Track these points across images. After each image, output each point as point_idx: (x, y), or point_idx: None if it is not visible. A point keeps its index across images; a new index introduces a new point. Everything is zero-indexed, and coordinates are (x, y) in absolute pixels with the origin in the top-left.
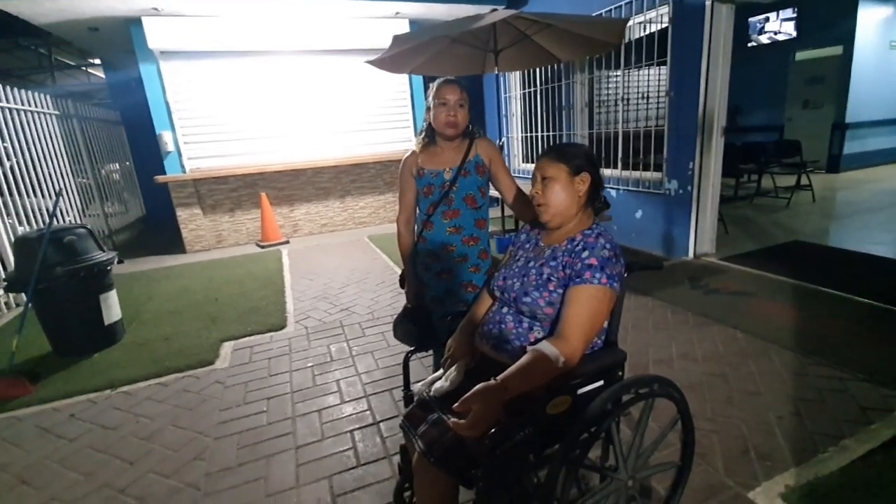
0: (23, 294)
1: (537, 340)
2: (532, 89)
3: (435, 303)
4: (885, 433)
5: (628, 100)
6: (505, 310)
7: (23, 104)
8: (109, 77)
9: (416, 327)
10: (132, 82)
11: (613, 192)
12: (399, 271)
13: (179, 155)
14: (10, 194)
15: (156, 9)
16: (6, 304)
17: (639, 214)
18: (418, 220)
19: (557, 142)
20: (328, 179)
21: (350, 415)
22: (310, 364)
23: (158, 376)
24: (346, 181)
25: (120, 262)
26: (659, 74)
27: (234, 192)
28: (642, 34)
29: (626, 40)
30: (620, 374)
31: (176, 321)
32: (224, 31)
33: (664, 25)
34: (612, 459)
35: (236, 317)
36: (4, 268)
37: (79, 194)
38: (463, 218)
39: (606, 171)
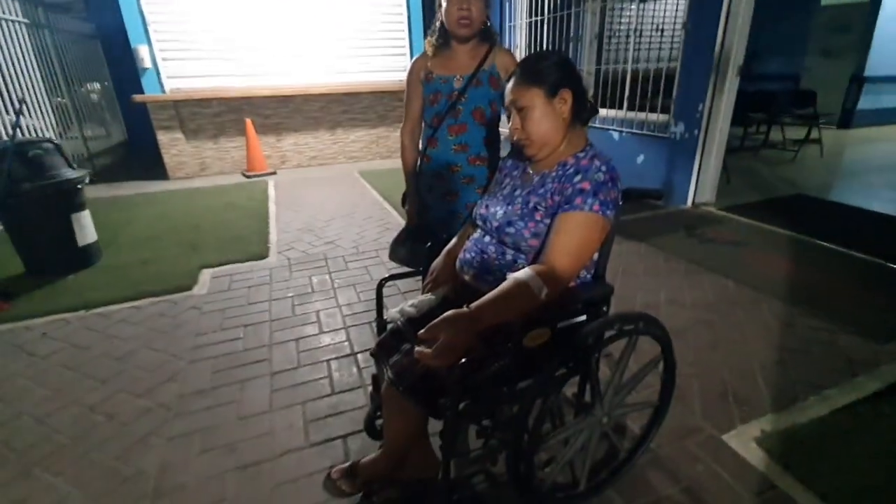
0: None
1: None
2: (539, 18)
3: (439, 224)
4: (871, 386)
5: (641, 32)
6: (487, 239)
7: None
8: None
9: (425, 246)
10: None
11: (616, 135)
12: (388, 207)
13: (158, 73)
14: None
15: None
16: None
17: (640, 159)
18: (423, 136)
19: None
20: (318, 109)
21: (328, 345)
22: (290, 294)
23: (134, 300)
24: (336, 111)
25: (92, 181)
26: (677, 4)
27: (218, 117)
28: None
29: None
30: (605, 309)
31: (155, 246)
32: None
33: None
34: (588, 396)
35: (217, 245)
36: None
37: (55, 115)
38: (470, 134)
39: (611, 112)
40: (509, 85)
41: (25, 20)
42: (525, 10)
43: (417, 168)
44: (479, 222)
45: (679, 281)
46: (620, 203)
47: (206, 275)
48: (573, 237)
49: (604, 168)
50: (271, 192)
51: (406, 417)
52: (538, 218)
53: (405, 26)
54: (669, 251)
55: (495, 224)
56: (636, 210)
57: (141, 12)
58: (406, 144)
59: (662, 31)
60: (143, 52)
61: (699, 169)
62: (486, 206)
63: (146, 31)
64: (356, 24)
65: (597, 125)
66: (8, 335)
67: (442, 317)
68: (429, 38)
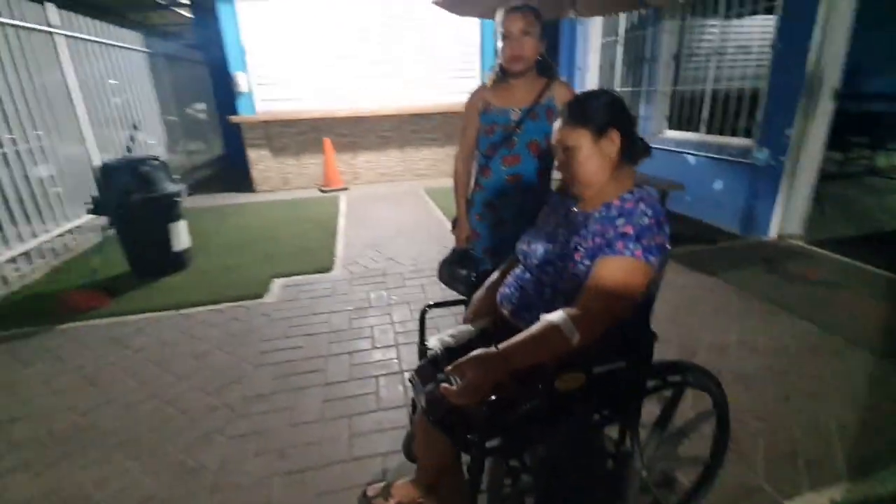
0: (105, 218)
1: None
2: (613, 38)
3: (488, 253)
4: None
5: (723, 53)
6: (527, 275)
7: (118, 41)
8: (196, 17)
9: (476, 276)
10: (213, 22)
11: (692, 159)
12: (449, 226)
13: (251, 96)
14: (107, 126)
15: None
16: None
17: (718, 185)
18: (477, 164)
19: (636, 100)
20: (390, 128)
21: (378, 360)
22: (349, 308)
23: (215, 303)
24: (407, 131)
25: (189, 194)
26: (764, 25)
27: (301, 135)
28: None
29: None
30: (648, 357)
31: (237, 254)
32: None
33: None
34: (628, 444)
35: (289, 256)
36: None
37: (165, 131)
38: (523, 166)
39: (686, 135)
40: (557, 124)
41: (147, 50)
42: (599, 31)
43: (469, 196)
44: (521, 258)
45: (753, 322)
46: (668, 247)
47: (277, 284)
48: (610, 282)
49: (650, 212)
50: (342, 206)
51: (436, 447)
52: (578, 259)
53: (478, 50)
54: (745, 288)
55: (535, 262)
56: (708, 240)
57: (240, 44)
58: (459, 170)
59: (748, 50)
60: (240, 78)
61: (785, 198)
62: (528, 242)
63: (244, 60)
64: (431, 48)
65: (671, 148)
66: (108, 328)
67: (470, 355)
68: (491, 72)
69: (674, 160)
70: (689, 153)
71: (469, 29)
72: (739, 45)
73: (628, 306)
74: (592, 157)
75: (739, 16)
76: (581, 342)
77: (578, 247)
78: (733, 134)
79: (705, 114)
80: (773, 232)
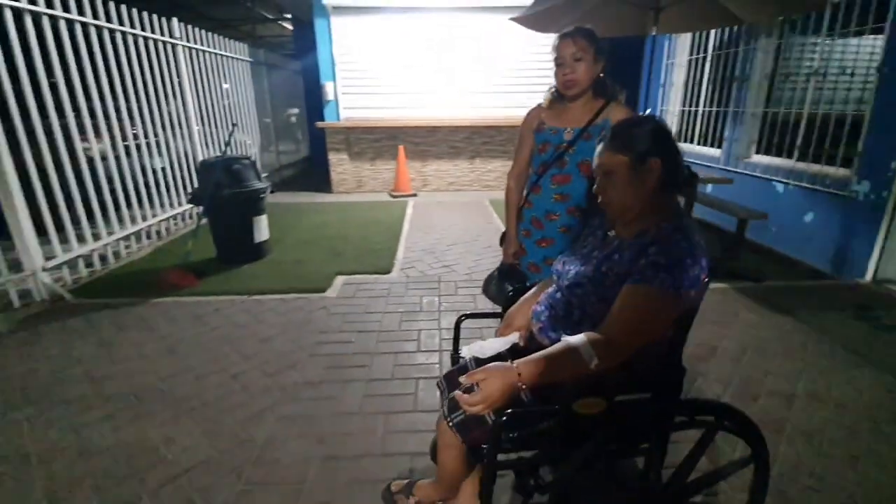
0: (200, 207)
1: None
2: (701, 55)
3: (533, 268)
4: None
5: (825, 74)
6: (558, 295)
7: (228, 51)
8: (296, 30)
9: (513, 289)
10: (310, 36)
11: (780, 187)
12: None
13: (337, 104)
14: (211, 125)
15: None
16: (191, 215)
17: (808, 218)
18: (528, 181)
19: (721, 120)
20: (462, 139)
21: (421, 364)
22: (400, 310)
23: (283, 293)
24: (478, 142)
25: (272, 192)
26: (873, 45)
27: (378, 142)
28: None
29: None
30: (676, 392)
31: (308, 249)
32: None
33: None
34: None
35: (354, 255)
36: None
37: (260, 132)
38: (573, 185)
39: (776, 160)
40: (598, 148)
41: (250, 59)
42: (686, 47)
43: (519, 211)
44: (555, 277)
45: (828, 372)
46: (706, 280)
47: (339, 280)
48: (635, 311)
49: (685, 244)
50: (409, 211)
51: (454, 452)
52: (608, 284)
53: (552, 64)
54: (824, 333)
55: (566, 282)
56: (790, 276)
57: (332, 56)
58: (511, 187)
59: (852, 73)
60: (329, 87)
61: (887, 237)
62: (563, 262)
63: (333, 70)
64: (507, 63)
65: (758, 174)
66: (192, 306)
67: (485, 367)
68: (547, 92)
69: (760, 187)
70: (777, 181)
71: (546, 45)
72: (842, 67)
73: (652, 337)
74: (629, 183)
75: (843, 36)
76: (600, 368)
77: (609, 272)
78: (830, 163)
79: (799, 139)
80: (868, 275)
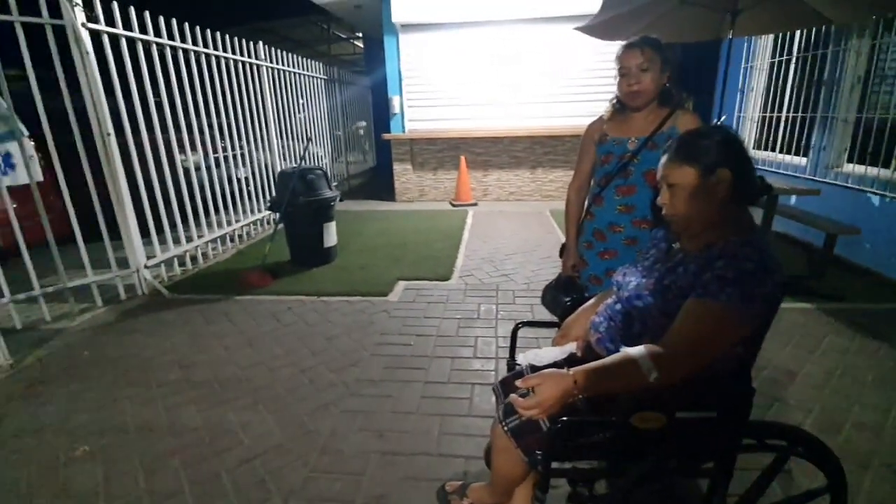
0: (277, 214)
1: None
2: (785, 58)
3: (593, 281)
4: None
5: None
6: (618, 306)
7: (305, 69)
8: (366, 48)
9: (568, 299)
10: (379, 53)
11: (876, 199)
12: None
13: (402, 117)
14: (289, 138)
15: None
16: (269, 221)
17: None
18: (590, 193)
19: (807, 127)
20: (523, 149)
21: (477, 370)
22: (458, 316)
23: (348, 295)
24: (539, 152)
25: (341, 200)
26: None
27: (440, 153)
28: None
29: None
30: (745, 412)
31: (371, 255)
32: (452, 4)
33: None
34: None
35: (415, 261)
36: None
37: (331, 144)
38: (639, 196)
39: (872, 171)
40: (663, 159)
41: (324, 76)
42: (769, 49)
43: (579, 224)
44: (615, 288)
45: None
46: (777, 298)
47: (400, 285)
48: (698, 326)
49: (755, 257)
50: (469, 220)
51: (509, 456)
52: (670, 298)
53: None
54: None
55: (626, 294)
56: (887, 298)
57: (399, 70)
58: (572, 199)
59: None
60: (395, 101)
61: None
62: (624, 274)
63: (400, 84)
64: (571, 72)
65: (850, 185)
66: (268, 304)
67: (541, 372)
68: (609, 103)
69: (852, 199)
70: (873, 192)
71: (610, 54)
72: None
73: (716, 353)
74: (697, 196)
75: None
76: (660, 382)
77: (672, 285)
78: None
79: None
80: None
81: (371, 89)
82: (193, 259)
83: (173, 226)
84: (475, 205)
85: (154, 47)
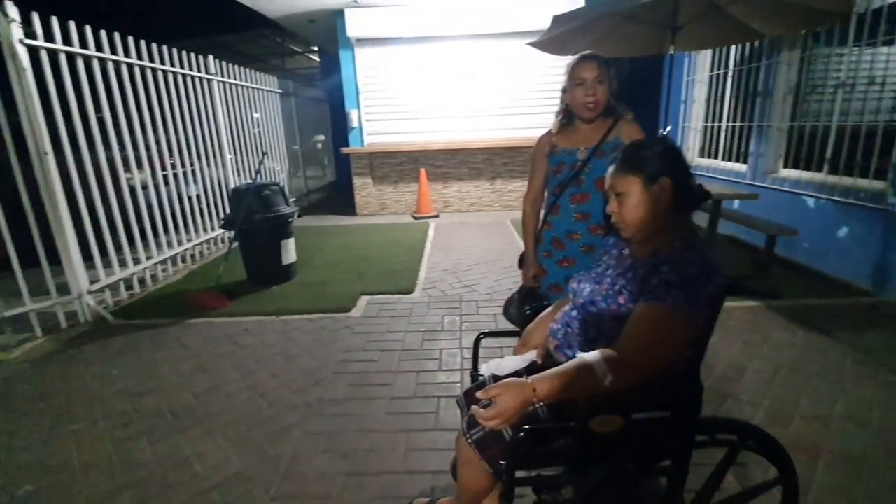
0: (231, 232)
1: None
2: (722, 71)
3: (553, 289)
4: None
5: (853, 85)
6: (574, 313)
7: (258, 84)
8: (322, 62)
9: (528, 308)
10: (335, 67)
11: (811, 202)
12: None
13: (361, 130)
14: (243, 154)
15: (355, 1)
16: (223, 239)
17: (842, 232)
18: (546, 203)
19: (746, 135)
20: (482, 160)
21: (442, 382)
22: (422, 329)
23: (309, 313)
24: (498, 163)
25: (300, 216)
26: None
27: (400, 165)
28: (884, 2)
29: (861, 10)
30: (695, 410)
31: (333, 271)
32: (407, 19)
33: None
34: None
35: (377, 276)
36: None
37: (289, 159)
38: (592, 203)
39: (806, 174)
40: (610, 169)
41: (279, 90)
42: (707, 63)
43: (537, 234)
44: (571, 295)
45: (868, 393)
46: (720, 300)
47: (363, 300)
48: (649, 329)
49: (698, 262)
50: (431, 233)
51: (474, 468)
52: (622, 301)
53: (569, 86)
54: (864, 353)
55: (580, 300)
56: (826, 294)
57: (356, 85)
58: (527, 211)
59: (882, 83)
60: (353, 114)
61: None
62: (579, 281)
63: (358, 98)
64: (524, 86)
65: (787, 189)
66: (224, 326)
67: (500, 382)
68: (556, 119)
69: (789, 202)
70: (807, 195)
71: (559, 63)
72: (871, 77)
73: (667, 355)
74: (642, 203)
75: (871, 45)
76: (615, 386)
77: (623, 290)
78: (863, 175)
79: (829, 152)
80: None
81: (329, 103)
82: (142, 282)
83: (119, 248)
84: (437, 217)
85: (96, 62)
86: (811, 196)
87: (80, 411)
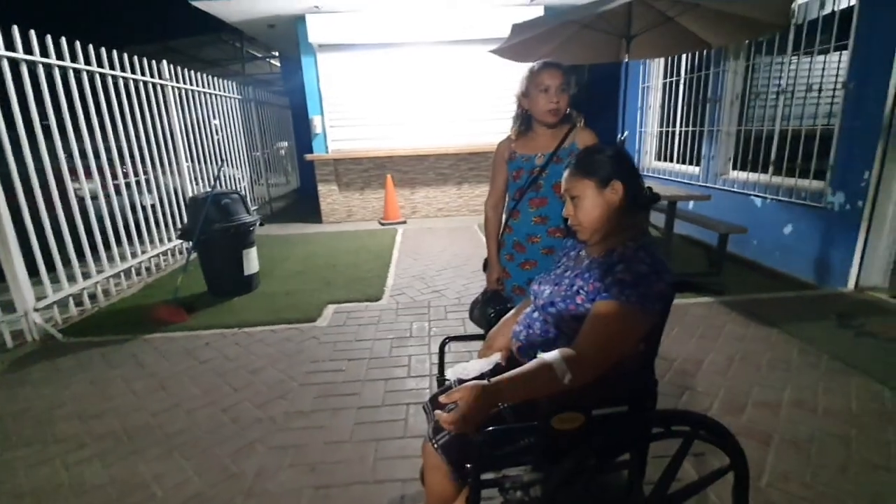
0: (189, 243)
1: None
2: (674, 79)
3: (516, 291)
4: None
5: (792, 92)
6: (535, 314)
7: (215, 89)
8: (283, 67)
9: (494, 311)
10: (298, 72)
11: (758, 202)
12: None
13: (325, 137)
14: (201, 161)
15: (317, 7)
16: (180, 250)
17: (787, 230)
18: (506, 208)
19: (698, 139)
20: (448, 166)
21: (411, 389)
22: (391, 336)
23: (273, 324)
24: (464, 168)
25: (262, 224)
26: (839, 62)
27: (366, 172)
28: (819, 13)
29: (798, 21)
30: (651, 404)
31: (298, 280)
32: (369, 25)
33: (851, 3)
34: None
35: (344, 284)
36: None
37: (250, 166)
38: (550, 207)
39: (753, 176)
40: (565, 174)
41: (238, 96)
42: (661, 71)
43: (499, 238)
44: (532, 297)
45: (814, 380)
46: (670, 296)
47: (329, 309)
48: (604, 327)
49: (648, 260)
50: (398, 239)
51: (441, 473)
52: (579, 301)
53: (528, 90)
54: (809, 342)
55: (541, 302)
56: (774, 288)
57: (319, 90)
58: (489, 215)
59: (820, 89)
60: (317, 121)
61: (865, 246)
62: (539, 283)
63: (321, 104)
64: (489, 91)
65: (736, 190)
66: (182, 341)
67: (462, 385)
68: (514, 125)
69: (739, 202)
70: (755, 195)
71: (523, 70)
72: (809, 84)
73: (623, 351)
74: (596, 205)
75: (809, 54)
76: (574, 383)
77: (581, 290)
78: (804, 176)
79: (773, 155)
80: (850, 283)
81: (291, 109)
82: (93, 297)
83: (67, 262)
84: (404, 223)
85: (41, 67)
86: (758, 196)
87: (29, 435)
